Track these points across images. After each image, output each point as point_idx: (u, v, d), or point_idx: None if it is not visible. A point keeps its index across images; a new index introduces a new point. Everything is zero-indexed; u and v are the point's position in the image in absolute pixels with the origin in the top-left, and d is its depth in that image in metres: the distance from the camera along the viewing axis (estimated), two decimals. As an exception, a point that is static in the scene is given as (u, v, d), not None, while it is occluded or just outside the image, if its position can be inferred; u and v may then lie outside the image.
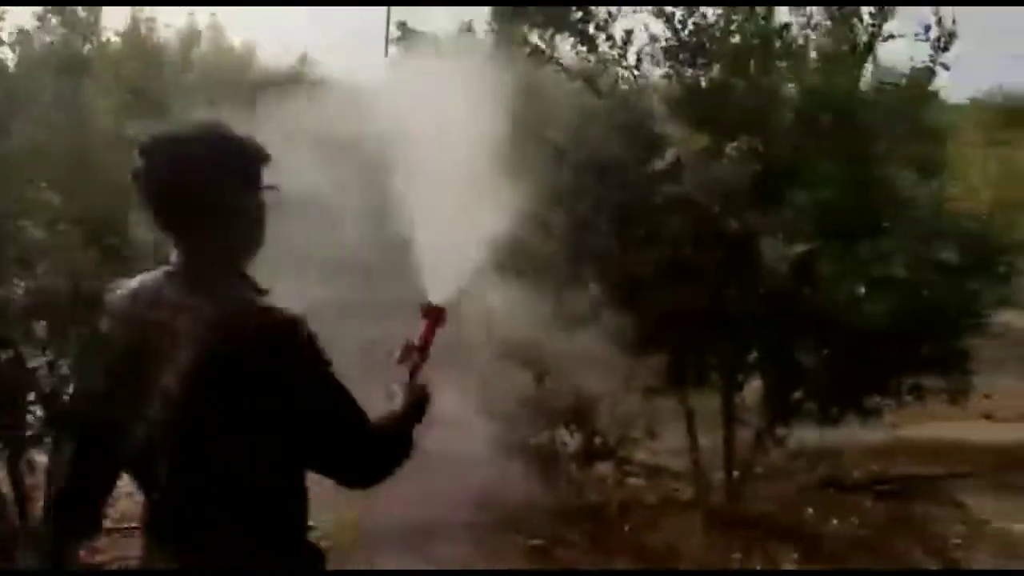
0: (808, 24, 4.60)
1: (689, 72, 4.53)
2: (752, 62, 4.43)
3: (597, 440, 5.03)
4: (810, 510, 5.47)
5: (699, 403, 5.08)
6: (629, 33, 4.78)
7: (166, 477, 1.56)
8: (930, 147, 5.05)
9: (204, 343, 1.49)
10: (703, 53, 4.49)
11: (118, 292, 1.69)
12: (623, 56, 4.80)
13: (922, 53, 4.54)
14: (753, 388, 5.11)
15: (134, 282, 1.67)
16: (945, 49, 4.47)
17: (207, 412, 1.50)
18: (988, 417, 7.13)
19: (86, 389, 1.95)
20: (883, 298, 4.25)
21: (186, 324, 1.52)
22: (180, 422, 1.52)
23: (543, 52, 4.91)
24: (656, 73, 4.78)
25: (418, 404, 1.88)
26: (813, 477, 5.93)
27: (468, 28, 5.12)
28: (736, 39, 4.47)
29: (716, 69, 4.49)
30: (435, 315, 2.04)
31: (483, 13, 5.03)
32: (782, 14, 4.62)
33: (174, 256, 1.61)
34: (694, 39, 4.50)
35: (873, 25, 4.51)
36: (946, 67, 4.52)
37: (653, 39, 4.58)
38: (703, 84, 4.53)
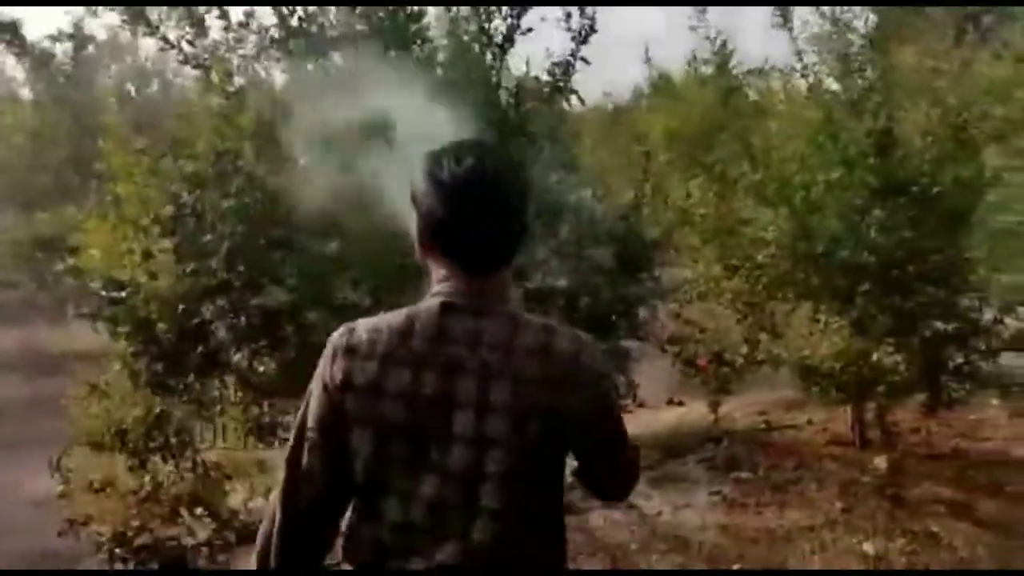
0: (448, 12, 4.16)
1: (310, 66, 3.88)
2: (385, 50, 3.86)
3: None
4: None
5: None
6: (249, 16, 4.05)
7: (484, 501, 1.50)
8: (572, 146, 4.91)
9: (539, 367, 1.50)
10: (323, 43, 3.85)
11: (358, 333, 1.56)
12: (240, 43, 4.06)
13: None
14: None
15: (374, 322, 1.57)
16: (584, 41, 4.27)
17: (542, 436, 1.50)
18: (642, 405, 7.39)
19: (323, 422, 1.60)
20: (548, 310, 3.96)
21: (499, 352, 1.50)
22: (513, 448, 1.49)
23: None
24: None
25: None
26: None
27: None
28: (362, 27, 3.89)
29: (337, 58, 3.88)
30: None
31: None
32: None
33: (449, 286, 1.54)
34: (304, 26, 3.85)
35: (512, 16, 4.19)
36: (586, 61, 4.33)
37: (264, 29, 3.89)
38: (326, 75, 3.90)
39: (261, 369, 4.10)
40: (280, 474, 1.65)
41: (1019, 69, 6.51)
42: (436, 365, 1.50)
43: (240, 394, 4.13)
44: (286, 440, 4.20)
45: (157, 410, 3.71)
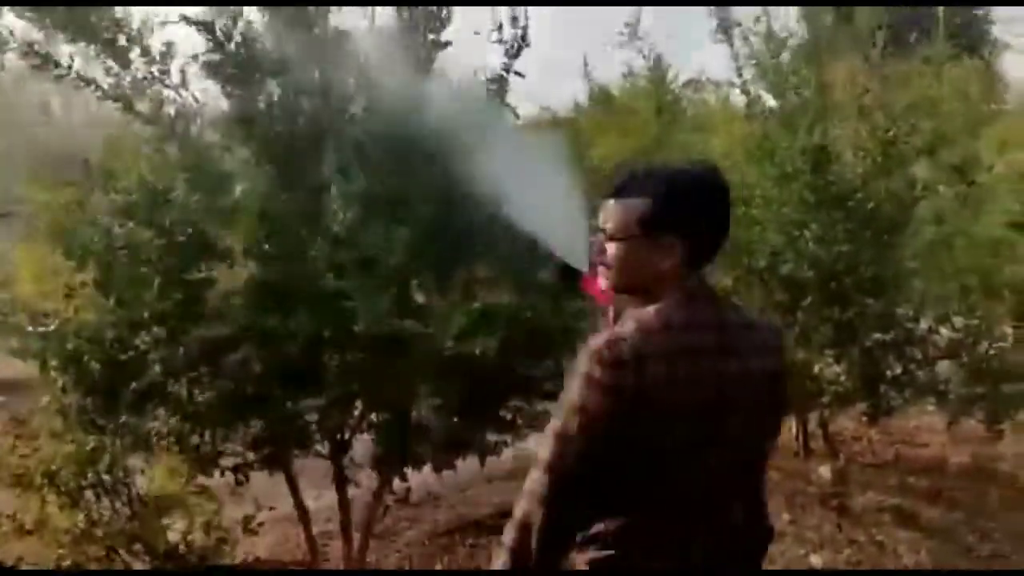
0: (371, 28, 4.09)
1: (242, 91, 3.77)
2: (317, 75, 3.79)
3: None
4: (445, 558, 5.14)
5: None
6: (169, 46, 3.91)
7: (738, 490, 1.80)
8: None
9: (774, 358, 1.85)
10: (255, 68, 3.76)
11: (639, 336, 1.67)
12: (165, 74, 3.92)
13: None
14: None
15: (646, 322, 1.70)
16: (517, 55, 4.24)
17: (776, 422, 1.92)
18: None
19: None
20: (491, 328, 3.93)
21: (751, 344, 1.79)
22: (766, 434, 1.87)
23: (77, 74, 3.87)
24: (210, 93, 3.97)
25: None
26: (440, 524, 5.58)
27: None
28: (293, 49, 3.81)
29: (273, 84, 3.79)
30: None
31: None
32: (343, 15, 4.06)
33: (695, 280, 1.78)
34: (242, 51, 3.75)
35: (433, 31, 4.14)
36: (520, 75, 4.30)
37: (193, 56, 3.77)
38: (261, 104, 3.80)
39: (200, 399, 3.99)
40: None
41: (943, 84, 6.72)
42: (715, 364, 1.72)
43: (178, 425, 4.00)
44: (229, 470, 4.13)
45: (90, 446, 3.56)
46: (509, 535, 1.73)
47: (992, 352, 5.35)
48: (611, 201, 1.81)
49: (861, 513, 5.15)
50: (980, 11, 22.04)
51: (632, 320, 1.71)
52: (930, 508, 5.14)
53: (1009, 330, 5.61)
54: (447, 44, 4.24)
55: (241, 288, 3.61)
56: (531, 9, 4.30)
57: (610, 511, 1.71)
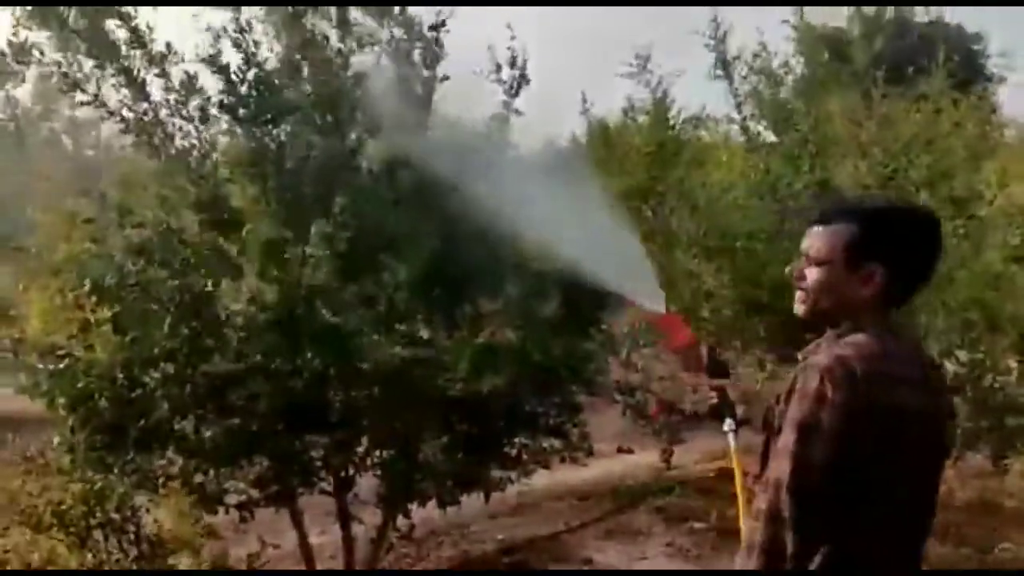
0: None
1: (256, 131, 3.83)
2: (328, 116, 3.85)
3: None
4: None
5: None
6: (192, 77, 3.98)
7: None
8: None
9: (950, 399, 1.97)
10: (266, 108, 3.81)
11: (863, 360, 1.67)
12: (183, 105, 3.98)
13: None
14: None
15: (866, 347, 1.71)
16: (516, 94, 4.31)
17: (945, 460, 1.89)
18: (591, 454, 7.37)
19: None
20: (498, 366, 3.95)
21: (940, 381, 1.90)
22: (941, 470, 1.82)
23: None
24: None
25: None
26: (444, 560, 5.55)
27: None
28: (308, 90, 3.88)
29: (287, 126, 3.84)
30: None
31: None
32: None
33: (895, 315, 1.82)
34: (254, 92, 3.81)
35: (427, 67, 4.21)
36: (519, 112, 4.37)
37: (205, 96, 3.84)
38: (271, 144, 3.85)
39: (207, 435, 4.00)
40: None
41: (938, 121, 6.80)
42: (922, 397, 1.73)
43: (184, 463, 4.00)
44: (234, 507, 4.11)
45: (98, 485, 3.56)
46: (754, 561, 1.69)
47: (997, 386, 5.36)
48: (817, 227, 1.83)
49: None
50: (977, 46, 22.27)
51: (850, 346, 1.71)
52: (939, 546, 5.10)
53: (1014, 364, 5.62)
54: (445, 78, 4.31)
55: (249, 324, 3.63)
56: (536, 39, 4.37)
57: (839, 533, 1.67)
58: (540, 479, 4.99)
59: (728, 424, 2.40)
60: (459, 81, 4.38)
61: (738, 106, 5.95)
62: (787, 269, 1.91)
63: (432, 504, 4.44)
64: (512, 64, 4.31)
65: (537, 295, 4.18)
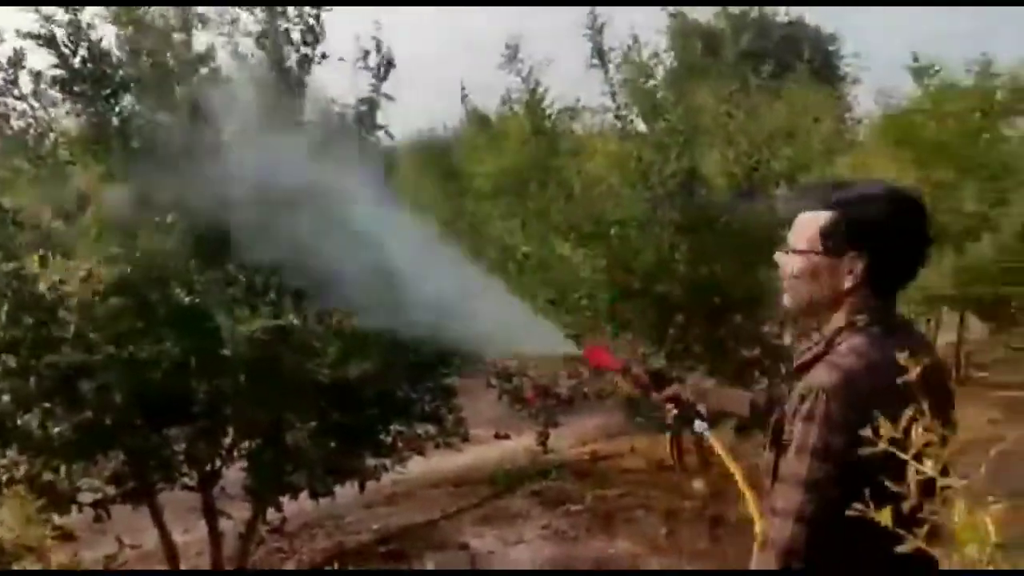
0: (234, 51, 3.98)
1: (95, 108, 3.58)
2: (177, 89, 3.64)
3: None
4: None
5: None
6: (19, 53, 3.68)
7: None
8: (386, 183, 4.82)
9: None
10: (105, 83, 3.58)
11: (867, 372, 1.59)
12: (13, 84, 3.69)
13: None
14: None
15: (865, 352, 1.64)
16: (384, 78, 4.23)
17: None
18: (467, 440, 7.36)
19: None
20: (367, 351, 3.85)
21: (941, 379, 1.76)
22: None
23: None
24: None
25: None
26: (318, 553, 5.41)
27: None
28: (151, 62, 3.65)
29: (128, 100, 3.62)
30: None
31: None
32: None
33: (892, 306, 1.73)
34: (88, 67, 3.57)
35: (306, 44, 4.08)
36: (389, 97, 4.29)
37: (35, 73, 3.58)
38: (114, 121, 3.62)
39: (56, 431, 3.73)
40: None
41: (800, 115, 7.12)
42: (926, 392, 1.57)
43: (30, 462, 3.72)
44: (89, 506, 3.86)
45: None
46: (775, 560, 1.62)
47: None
48: (800, 216, 1.74)
49: (736, 523, 5.31)
50: (832, 47, 23.52)
51: (851, 356, 1.63)
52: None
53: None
54: (324, 57, 4.18)
55: (98, 310, 3.40)
56: (422, 29, 4.32)
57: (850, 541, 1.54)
58: (416, 466, 4.93)
59: (699, 426, 2.29)
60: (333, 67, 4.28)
61: (612, 96, 6.02)
62: (776, 258, 1.80)
63: (305, 496, 4.32)
64: (378, 49, 4.24)
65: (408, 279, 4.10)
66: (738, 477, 2.13)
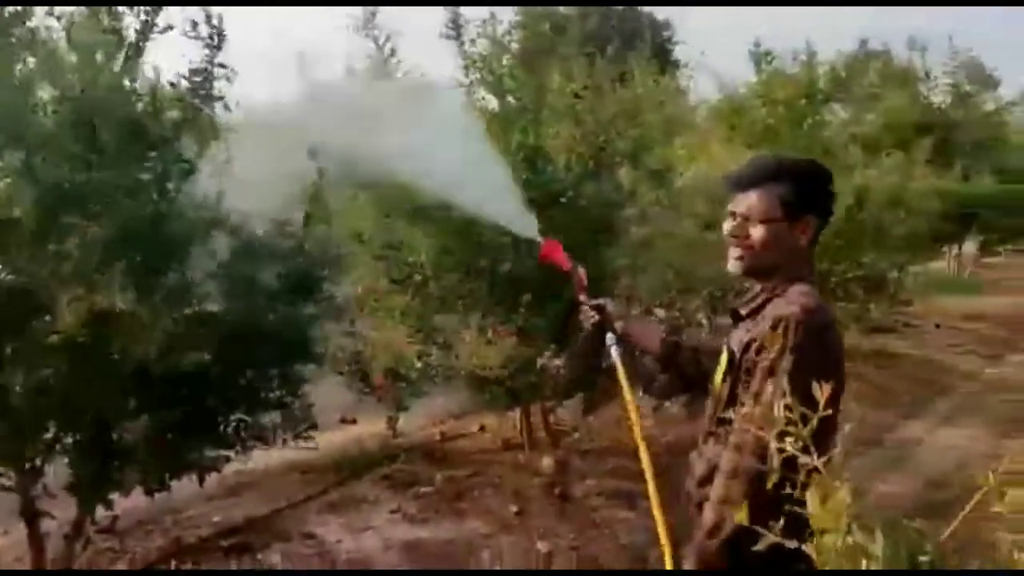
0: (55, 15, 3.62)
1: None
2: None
3: None
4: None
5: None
6: None
7: None
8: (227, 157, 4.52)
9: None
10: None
11: (815, 304, 1.93)
12: None
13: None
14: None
15: (813, 294, 1.98)
16: (219, 48, 3.97)
17: None
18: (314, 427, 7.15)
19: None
20: (200, 338, 3.61)
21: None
22: None
23: None
24: None
25: None
26: (153, 551, 5.08)
27: None
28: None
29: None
30: None
31: None
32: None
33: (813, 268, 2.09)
34: None
35: (147, 16, 3.77)
36: (224, 66, 4.02)
37: None
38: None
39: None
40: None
41: (645, 95, 7.29)
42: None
43: None
44: None
45: None
46: (736, 488, 1.86)
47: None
48: (752, 190, 2.03)
49: (583, 498, 5.42)
50: (667, 32, 24.42)
51: (804, 296, 1.94)
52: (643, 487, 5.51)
53: (705, 321, 6.19)
54: (169, 28, 3.88)
55: None
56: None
57: None
58: (260, 455, 4.71)
59: (609, 339, 2.51)
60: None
61: (465, 70, 5.91)
62: (725, 229, 2.07)
63: (139, 491, 4.04)
64: (207, 20, 3.96)
65: (250, 261, 3.89)
66: (633, 417, 2.42)
